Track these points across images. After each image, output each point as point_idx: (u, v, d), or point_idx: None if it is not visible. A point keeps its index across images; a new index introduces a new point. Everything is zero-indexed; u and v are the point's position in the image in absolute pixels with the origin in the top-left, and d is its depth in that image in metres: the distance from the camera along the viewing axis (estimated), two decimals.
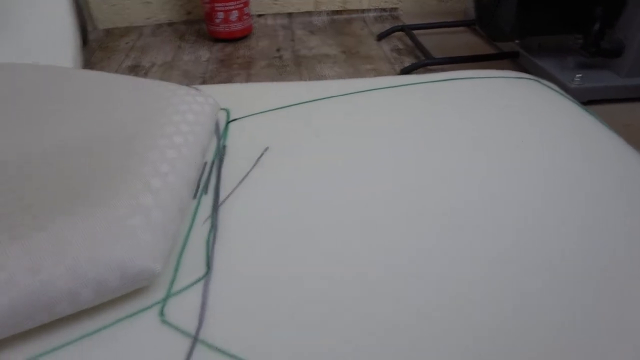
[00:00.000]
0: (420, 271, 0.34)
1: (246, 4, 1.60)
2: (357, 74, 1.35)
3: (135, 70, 1.42)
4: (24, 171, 0.37)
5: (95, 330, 0.29)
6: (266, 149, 0.50)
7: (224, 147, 0.51)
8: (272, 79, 1.32)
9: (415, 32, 1.62)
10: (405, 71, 1.35)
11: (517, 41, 1.40)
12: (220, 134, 0.53)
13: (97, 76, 0.57)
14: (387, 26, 1.73)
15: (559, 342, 0.29)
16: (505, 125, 0.54)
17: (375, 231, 0.38)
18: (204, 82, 1.30)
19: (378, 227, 0.39)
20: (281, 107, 0.59)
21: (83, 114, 0.46)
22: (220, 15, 1.56)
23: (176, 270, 0.34)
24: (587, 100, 1.24)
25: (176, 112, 0.48)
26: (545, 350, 0.29)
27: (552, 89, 0.66)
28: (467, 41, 1.69)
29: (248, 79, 1.32)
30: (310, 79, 1.31)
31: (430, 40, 1.62)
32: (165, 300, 0.31)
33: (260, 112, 0.58)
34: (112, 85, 0.54)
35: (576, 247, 0.37)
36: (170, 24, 1.82)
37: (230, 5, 1.55)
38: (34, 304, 0.27)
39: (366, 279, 0.34)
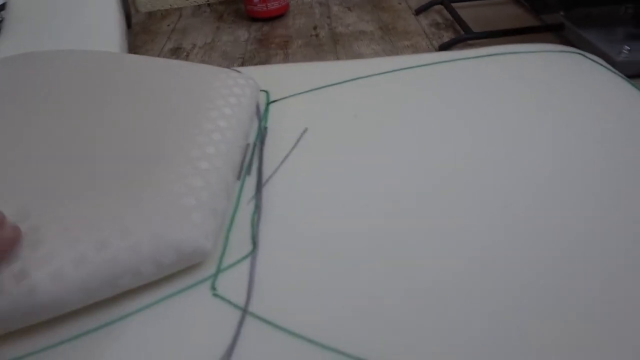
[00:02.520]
0: (466, 243, 0.35)
1: None
2: (394, 50, 1.33)
3: (177, 52, 1.44)
4: (87, 153, 0.39)
5: (153, 303, 0.32)
6: (305, 130, 0.51)
7: (265, 128, 0.52)
8: (309, 58, 1.32)
9: (454, 5, 1.57)
10: (444, 47, 1.31)
11: (562, 13, 1.33)
12: (261, 115, 0.55)
13: (144, 61, 0.59)
14: (426, 0, 1.68)
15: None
16: (549, 104, 0.52)
17: (419, 207, 0.39)
18: (243, 63, 1.31)
19: (421, 202, 0.39)
20: (319, 88, 0.59)
21: (134, 100, 0.48)
22: None
23: (225, 247, 0.36)
24: (636, 73, 1.18)
25: (220, 96, 0.49)
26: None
27: (597, 62, 0.63)
28: (509, 13, 1.62)
29: (285, 58, 1.32)
30: (346, 57, 1.30)
31: (470, 13, 1.56)
32: (216, 275, 0.33)
33: (299, 94, 0.59)
34: (159, 71, 0.56)
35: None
36: (209, 5, 1.83)
37: None
38: (102, 278, 0.29)
39: (409, 250, 0.35)
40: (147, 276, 0.31)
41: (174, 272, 0.33)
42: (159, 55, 1.45)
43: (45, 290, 0.28)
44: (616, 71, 0.61)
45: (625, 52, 1.14)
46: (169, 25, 1.69)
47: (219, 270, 0.34)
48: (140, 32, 1.66)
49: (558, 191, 0.40)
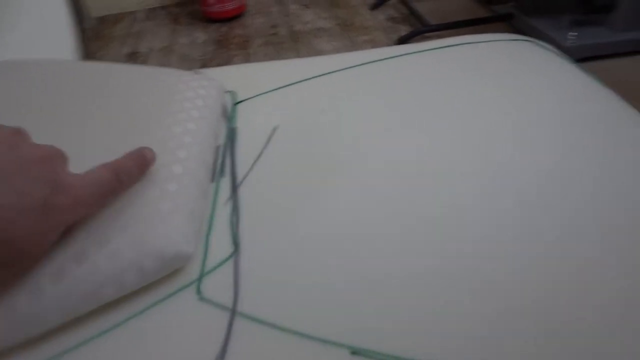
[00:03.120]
0: (443, 231, 0.36)
1: None
2: (353, 46, 1.34)
3: (133, 57, 1.41)
4: None
5: (138, 312, 0.31)
6: (275, 128, 0.51)
7: (234, 129, 0.52)
8: (270, 56, 1.32)
9: None
10: (402, 40, 1.34)
11: (512, 3, 1.38)
12: (229, 116, 0.54)
13: (105, 68, 0.57)
14: None
15: None
16: (507, 90, 0.54)
17: (393, 197, 0.40)
18: (203, 65, 1.30)
19: (395, 193, 0.40)
20: (285, 86, 0.59)
21: (100, 108, 0.46)
22: None
23: (206, 250, 0.35)
24: (583, 57, 1.24)
25: (186, 99, 0.48)
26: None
27: (547, 49, 0.66)
28: (461, 5, 1.67)
29: (247, 58, 1.32)
30: (307, 54, 1.31)
31: (424, 6, 1.60)
32: (200, 279, 0.33)
33: (265, 93, 0.58)
34: (121, 77, 0.54)
35: (593, 203, 0.38)
36: (163, 7, 1.79)
37: None
38: (83, 291, 0.29)
39: (388, 241, 0.35)
40: (130, 285, 0.30)
41: (157, 279, 0.32)
42: (115, 61, 1.40)
43: (23, 308, 0.27)
44: (565, 56, 0.64)
45: (572, 38, 1.19)
46: (122, 29, 1.65)
47: (202, 274, 0.33)
48: (93, 37, 1.61)
49: (521, 175, 0.42)
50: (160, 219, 0.32)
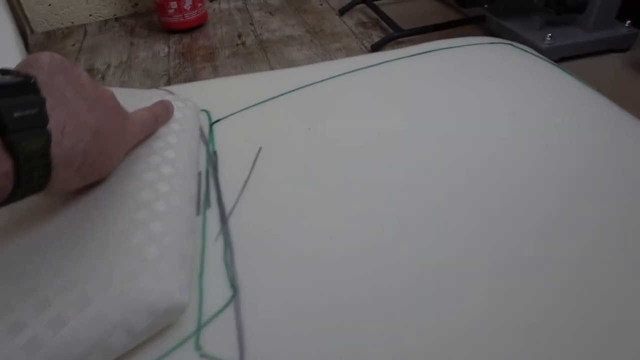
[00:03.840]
0: (437, 242, 0.35)
1: None
2: (326, 54, 1.33)
3: (90, 74, 1.35)
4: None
5: None
6: (260, 149, 0.49)
7: (215, 152, 0.49)
8: (240, 68, 1.29)
9: (377, 2, 1.61)
10: (376, 47, 1.34)
11: (486, 6, 1.41)
12: (207, 138, 0.51)
13: None
14: None
15: None
16: (491, 94, 0.54)
17: (392, 215, 0.39)
18: (169, 81, 1.25)
19: (393, 211, 0.39)
20: (263, 101, 0.57)
21: None
22: (174, 4, 1.50)
23: (201, 297, 0.32)
24: (559, 58, 1.27)
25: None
26: None
27: (527, 51, 0.67)
28: (429, 8, 1.69)
29: (215, 71, 1.28)
30: (280, 64, 1.29)
31: (393, 10, 1.61)
32: (198, 331, 0.30)
33: (243, 109, 0.56)
34: None
35: (582, 203, 0.38)
36: (116, 19, 1.74)
37: None
38: None
39: (390, 268, 0.34)
40: (119, 348, 0.27)
41: (149, 337, 0.29)
42: None
43: None
44: (546, 58, 0.65)
45: (549, 39, 1.22)
46: (74, 44, 1.58)
47: (200, 326, 0.30)
48: None
49: (512, 179, 0.42)
50: (147, 268, 0.29)
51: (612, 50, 1.34)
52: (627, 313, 0.31)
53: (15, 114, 0.25)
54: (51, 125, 0.27)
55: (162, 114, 0.44)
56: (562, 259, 0.35)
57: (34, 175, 0.26)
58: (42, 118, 0.26)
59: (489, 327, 0.30)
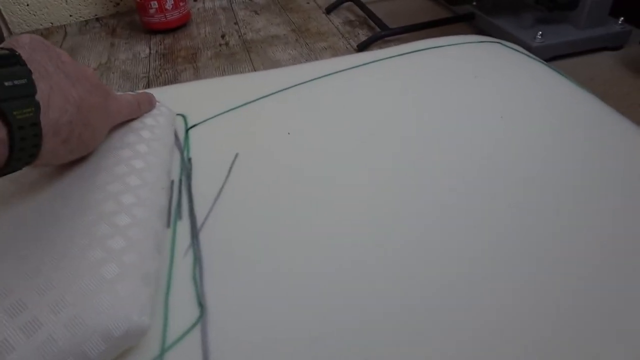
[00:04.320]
0: (421, 255, 0.33)
1: None
2: (312, 54, 1.32)
3: None
4: None
5: None
6: (236, 156, 0.48)
7: (189, 160, 0.48)
8: (223, 70, 1.27)
9: (364, 0, 1.60)
10: (362, 46, 1.33)
11: (474, 3, 1.41)
12: (182, 145, 0.50)
13: None
14: None
15: None
16: (480, 95, 0.54)
17: (370, 226, 0.37)
18: (148, 84, 1.23)
19: (372, 221, 0.38)
20: (242, 105, 0.56)
21: None
22: (154, 4, 1.48)
23: (166, 317, 0.31)
24: (551, 56, 1.27)
25: (129, 131, 0.44)
26: None
27: (517, 50, 0.66)
28: (418, 6, 1.68)
29: (196, 73, 1.27)
30: (263, 65, 1.27)
31: (380, 8, 1.60)
32: (161, 356, 0.28)
33: (221, 113, 0.55)
34: None
35: (575, 207, 0.37)
36: (97, 19, 1.71)
37: None
38: None
39: (371, 283, 0.33)
40: None
41: None
42: None
43: None
44: (536, 57, 0.64)
45: (539, 37, 1.22)
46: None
47: (164, 350, 0.29)
48: None
49: (499, 180, 0.41)
50: (104, 288, 0.28)
51: (605, 48, 1.33)
52: (626, 314, 0.30)
53: (6, 83, 0.26)
54: (38, 97, 0.28)
55: (144, 103, 0.46)
56: (559, 259, 0.34)
57: (26, 144, 0.27)
58: (30, 88, 0.28)
59: (495, 342, 0.29)
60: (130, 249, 0.31)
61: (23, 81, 0.27)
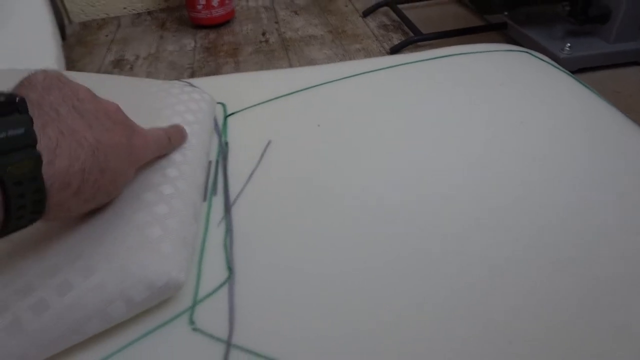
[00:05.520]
0: (436, 252, 0.35)
1: None
2: (346, 54, 1.34)
3: (119, 65, 1.39)
4: None
5: (126, 345, 0.30)
6: (269, 143, 0.50)
7: (226, 144, 0.51)
8: (261, 65, 1.31)
9: (400, 6, 1.61)
10: (395, 49, 1.34)
11: (506, 13, 1.40)
12: (220, 130, 0.53)
13: (87, 79, 0.56)
14: (371, 1, 1.72)
15: None
16: (505, 102, 0.54)
17: (390, 216, 0.39)
18: (192, 74, 1.28)
19: (392, 212, 0.40)
20: (277, 97, 0.58)
21: None
22: (202, 1, 1.53)
23: (198, 276, 0.34)
24: (578, 68, 1.25)
25: (175, 114, 0.47)
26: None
27: (544, 60, 0.66)
28: (453, 13, 1.68)
29: (237, 66, 1.31)
30: (299, 62, 1.30)
31: (416, 13, 1.60)
32: (192, 308, 0.32)
33: (257, 104, 0.58)
34: (105, 89, 0.53)
35: (586, 218, 0.38)
36: (149, 13, 1.78)
37: None
38: (66, 325, 0.27)
39: (392, 261, 0.35)
40: (117, 317, 0.29)
41: (146, 309, 0.31)
42: (99, 69, 1.38)
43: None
44: (562, 68, 0.65)
45: (567, 49, 1.20)
46: (107, 35, 1.63)
47: (195, 302, 0.32)
48: (76, 44, 1.58)
49: (522, 188, 0.42)
50: (149, 246, 0.31)
51: (635, 63, 1.31)
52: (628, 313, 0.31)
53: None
54: (42, 145, 0.25)
55: (176, 137, 0.42)
56: (577, 274, 0.34)
57: (25, 201, 0.24)
58: (29, 138, 0.24)
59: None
60: (172, 215, 0.35)
61: (20, 131, 0.24)
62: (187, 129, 0.46)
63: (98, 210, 0.34)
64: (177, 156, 0.41)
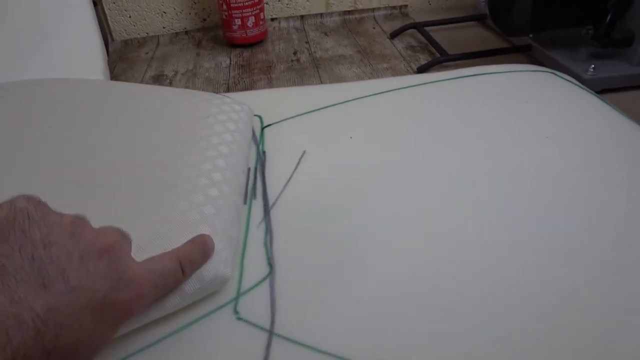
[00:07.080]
0: (465, 260, 0.37)
1: (262, 9, 1.63)
2: (374, 73, 1.37)
3: (159, 79, 1.45)
4: (93, 186, 0.39)
5: (175, 331, 0.32)
6: (304, 153, 0.52)
7: (264, 153, 0.53)
8: (293, 82, 1.34)
9: (427, 28, 1.63)
10: (422, 69, 1.36)
11: (530, 35, 1.40)
12: (258, 140, 0.56)
13: (136, 89, 0.59)
14: (398, 24, 1.74)
15: None
16: (530, 121, 0.55)
17: (421, 224, 0.41)
18: (228, 89, 1.33)
19: (423, 220, 0.41)
20: (310, 111, 0.60)
21: (134, 129, 0.48)
22: (238, 21, 1.59)
23: (241, 271, 0.36)
24: (601, 89, 1.25)
25: (217, 122, 0.50)
26: None
27: (569, 81, 0.67)
28: (478, 35, 1.69)
29: (270, 83, 1.34)
30: (330, 80, 1.33)
31: (442, 35, 1.62)
32: (237, 298, 0.34)
33: (291, 117, 0.60)
34: (152, 98, 0.55)
35: (615, 235, 0.38)
36: (186, 32, 1.84)
37: (247, 12, 1.58)
38: None
39: (421, 260, 0.36)
40: (171, 307, 0.31)
41: (196, 300, 0.33)
42: (140, 83, 1.44)
43: None
44: (586, 88, 0.65)
45: (592, 70, 1.20)
46: (147, 52, 1.70)
47: (239, 294, 0.34)
48: (118, 60, 1.65)
49: (544, 207, 0.42)
50: None
51: None
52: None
53: None
54: None
55: (191, 258, 0.32)
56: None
57: None
58: None
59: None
60: (219, 215, 0.37)
61: None
62: (229, 137, 0.48)
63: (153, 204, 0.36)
64: (220, 161, 0.44)
